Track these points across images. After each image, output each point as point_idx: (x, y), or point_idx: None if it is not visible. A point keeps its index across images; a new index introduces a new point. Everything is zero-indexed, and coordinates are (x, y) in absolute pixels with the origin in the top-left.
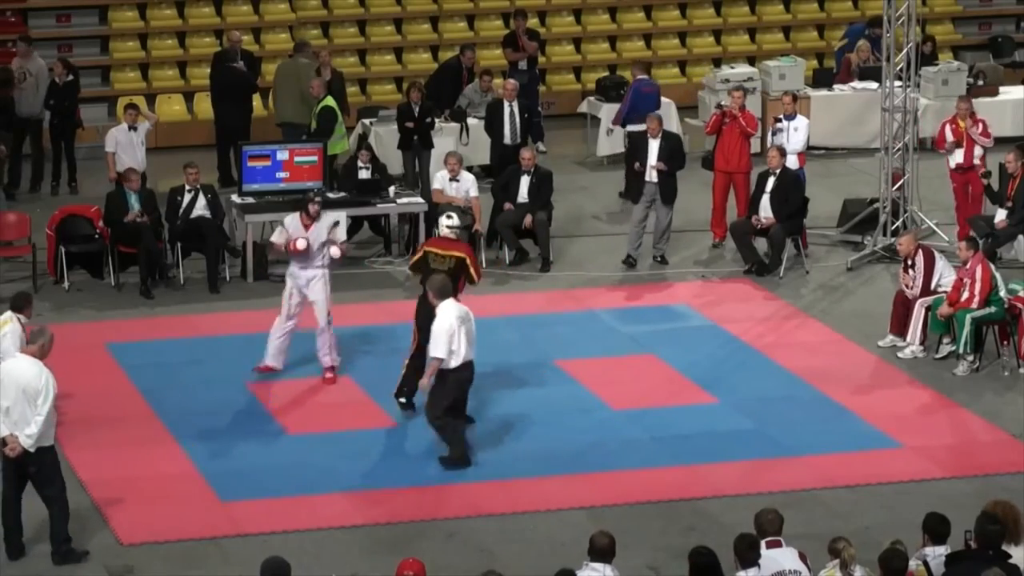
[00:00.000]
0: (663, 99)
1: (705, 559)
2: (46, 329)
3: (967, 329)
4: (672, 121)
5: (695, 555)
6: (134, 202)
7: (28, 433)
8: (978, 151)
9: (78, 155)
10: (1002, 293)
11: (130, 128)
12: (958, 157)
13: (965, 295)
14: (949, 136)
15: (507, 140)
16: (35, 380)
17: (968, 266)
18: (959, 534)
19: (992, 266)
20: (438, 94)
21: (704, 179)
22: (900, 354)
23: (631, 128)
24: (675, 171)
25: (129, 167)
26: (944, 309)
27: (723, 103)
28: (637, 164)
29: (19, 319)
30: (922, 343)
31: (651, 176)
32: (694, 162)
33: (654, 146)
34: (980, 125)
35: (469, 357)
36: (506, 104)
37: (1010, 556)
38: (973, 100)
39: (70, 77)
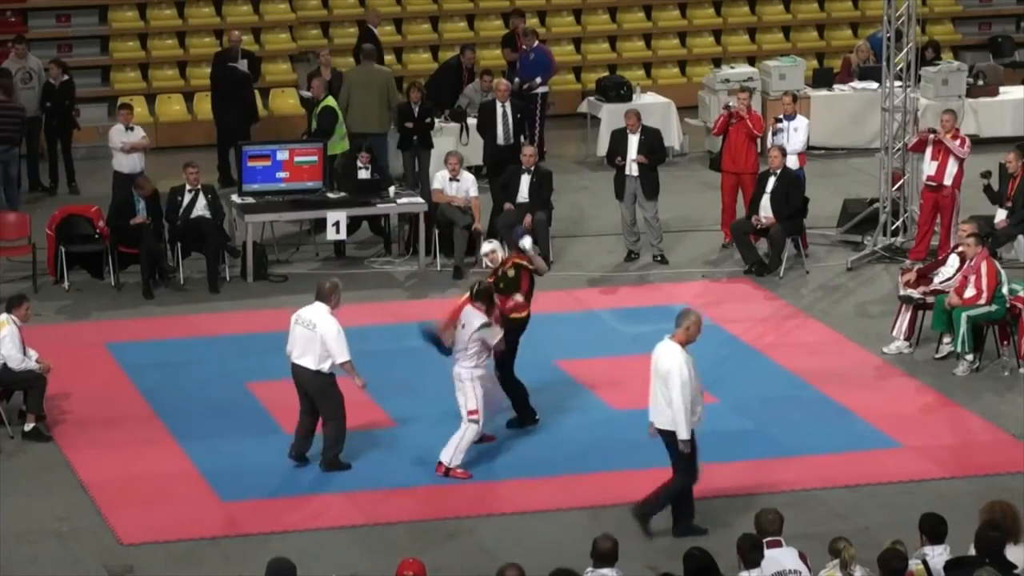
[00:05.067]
0: (664, 99)
1: (699, 560)
2: (691, 311)
3: (963, 328)
4: (672, 121)
5: (689, 557)
6: (141, 208)
7: (661, 415)
8: (951, 169)
9: (77, 155)
10: (1004, 290)
11: (127, 128)
12: (930, 170)
13: (970, 292)
14: (929, 148)
15: (500, 141)
16: (665, 362)
17: (973, 262)
18: (957, 534)
19: (996, 262)
20: (438, 94)
21: (705, 179)
22: (886, 349)
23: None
24: (656, 165)
25: (138, 172)
26: (952, 299)
27: (730, 104)
28: (618, 159)
29: (14, 320)
30: (907, 338)
31: (631, 170)
32: (694, 162)
33: (633, 141)
34: (960, 141)
35: (292, 359)
36: (499, 104)
37: (1015, 567)
38: (973, 100)
39: (66, 77)
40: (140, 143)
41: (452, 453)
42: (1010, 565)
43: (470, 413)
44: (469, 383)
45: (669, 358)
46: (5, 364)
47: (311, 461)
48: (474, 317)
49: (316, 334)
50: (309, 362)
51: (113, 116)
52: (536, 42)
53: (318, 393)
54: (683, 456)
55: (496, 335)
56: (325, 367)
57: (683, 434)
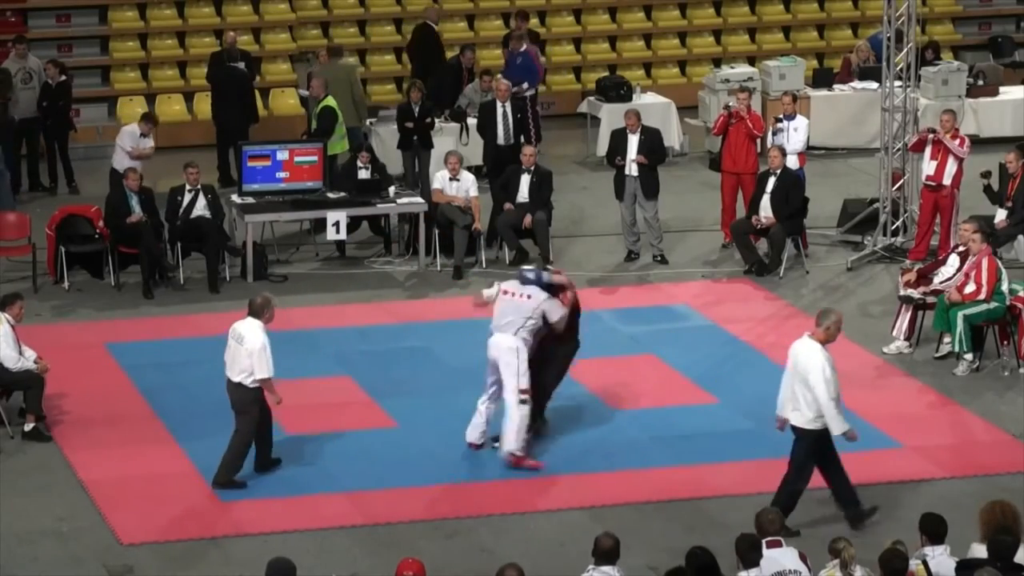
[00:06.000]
0: (664, 99)
1: (702, 559)
2: (832, 310)
3: (960, 327)
4: (672, 121)
5: (692, 556)
6: (135, 204)
7: (798, 413)
8: (950, 169)
9: (76, 155)
10: (1004, 287)
11: (142, 135)
12: (929, 169)
13: (971, 287)
14: (929, 148)
15: (500, 141)
16: (806, 360)
17: (975, 258)
18: (957, 534)
19: (998, 260)
20: (438, 94)
21: (705, 179)
22: (886, 349)
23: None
24: (655, 165)
25: (130, 167)
26: (953, 295)
27: (731, 104)
28: (618, 159)
29: (8, 319)
30: (907, 338)
31: (631, 170)
32: (694, 162)
33: (633, 141)
34: (959, 141)
35: (226, 372)
36: (499, 105)
37: (1023, 568)
38: (973, 100)
39: (63, 78)
40: (146, 152)
41: (515, 440)
42: (1018, 567)
43: (521, 392)
44: (524, 355)
45: (810, 357)
46: (1, 364)
47: (283, 462)
48: (533, 289)
49: (243, 348)
50: (234, 375)
51: (113, 116)
52: (524, 46)
53: (237, 405)
54: (813, 453)
55: (559, 311)
56: (247, 380)
57: (837, 429)
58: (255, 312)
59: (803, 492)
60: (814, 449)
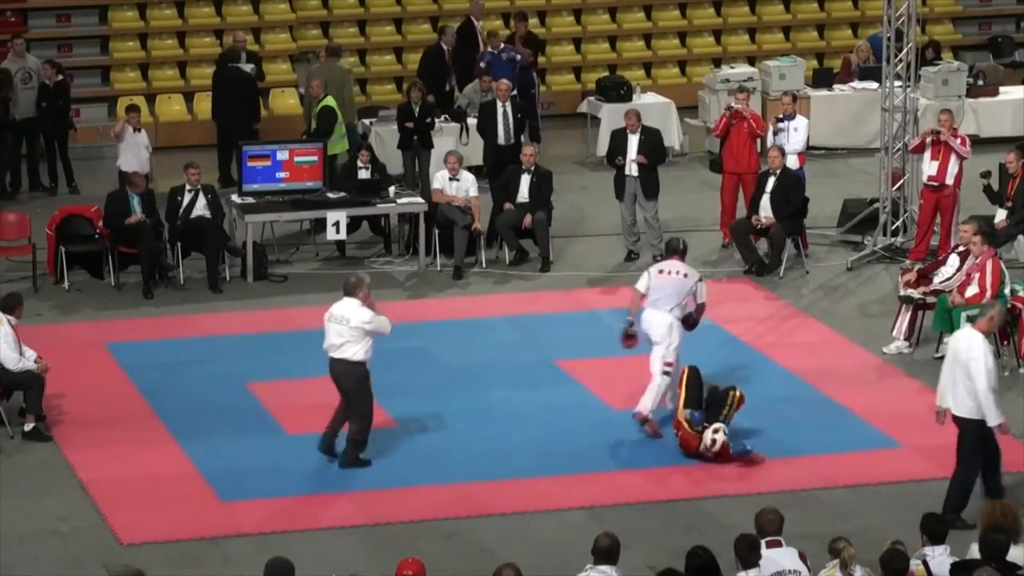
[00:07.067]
0: (664, 99)
1: (702, 559)
2: (995, 302)
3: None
4: (672, 121)
5: (692, 555)
6: (136, 204)
7: (961, 404)
8: (952, 169)
9: (76, 155)
10: (1007, 291)
11: (135, 130)
12: (931, 170)
13: (973, 290)
14: (928, 149)
15: (501, 141)
16: (968, 348)
17: (978, 260)
18: (957, 534)
19: (1001, 262)
20: (428, 88)
21: (705, 179)
22: (886, 349)
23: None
24: (656, 165)
25: (135, 171)
26: (955, 298)
27: (732, 104)
28: (618, 159)
29: (9, 320)
30: (907, 338)
31: (631, 170)
32: (694, 162)
33: (633, 141)
34: (960, 140)
35: (330, 354)
36: (499, 105)
37: (1019, 567)
38: (973, 100)
39: (60, 78)
40: (134, 152)
41: (649, 403)
42: (1014, 567)
43: (666, 364)
44: (677, 331)
45: (973, 346)
46: (2, 365)
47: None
48: (686, 267)
49: (352, 328)
50: (346, 354)
51: (113, 116)
52: (502, 44)
53: (353, 385)
54: (978, 443)
55: (705, 294)
56: (360, 356)
57: (993, 420)
58: (350, 292)
59: (974, 485)
60: (979, 439)
